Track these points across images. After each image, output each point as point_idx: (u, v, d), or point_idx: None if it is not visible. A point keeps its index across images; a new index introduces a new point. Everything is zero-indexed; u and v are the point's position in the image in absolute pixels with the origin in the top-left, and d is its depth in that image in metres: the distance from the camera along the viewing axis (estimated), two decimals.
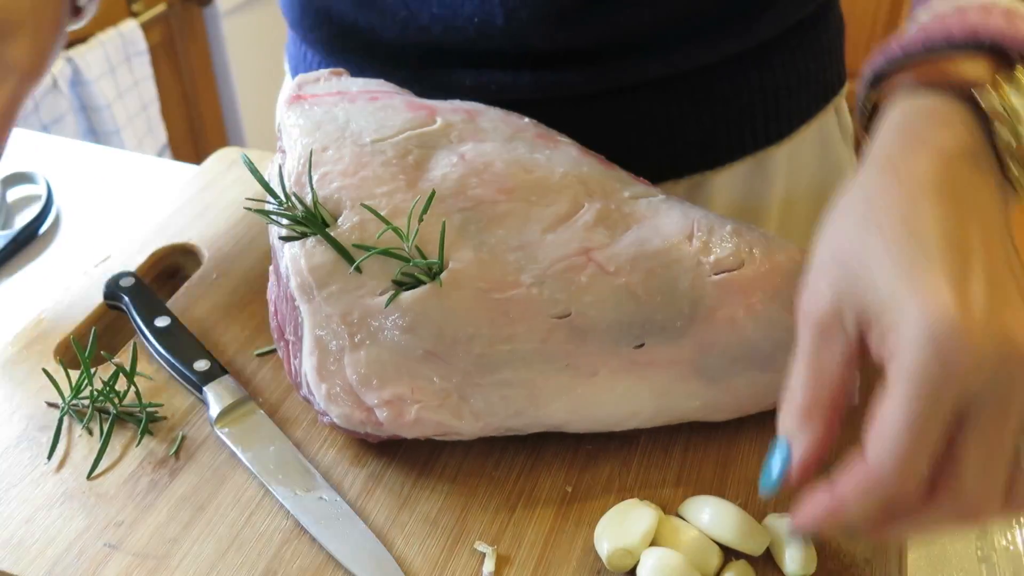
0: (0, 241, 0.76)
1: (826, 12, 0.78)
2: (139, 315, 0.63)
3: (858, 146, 0.89)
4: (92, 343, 0.59)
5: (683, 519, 0.52)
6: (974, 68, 0.46)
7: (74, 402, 0.58)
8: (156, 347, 0.61)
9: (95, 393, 0.58)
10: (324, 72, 0.65)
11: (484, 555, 0.51)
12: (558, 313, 0.53)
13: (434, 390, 0.52)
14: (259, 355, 0.63)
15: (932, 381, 0.38)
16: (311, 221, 0.53)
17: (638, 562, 0.48)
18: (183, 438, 0.57)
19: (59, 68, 1.64)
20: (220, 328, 0.65)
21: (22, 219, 0.80)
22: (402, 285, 0.52)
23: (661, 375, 0.55)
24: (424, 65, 0.71)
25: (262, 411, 0.58)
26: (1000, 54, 0.46)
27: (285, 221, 0.54)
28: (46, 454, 0.56)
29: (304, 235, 0.53)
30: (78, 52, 1.67)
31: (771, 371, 0.55)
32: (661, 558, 0.47)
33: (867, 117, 0.51)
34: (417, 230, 0.53)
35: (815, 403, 0.42)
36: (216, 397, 0.58)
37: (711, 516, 0.50)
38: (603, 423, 0.55)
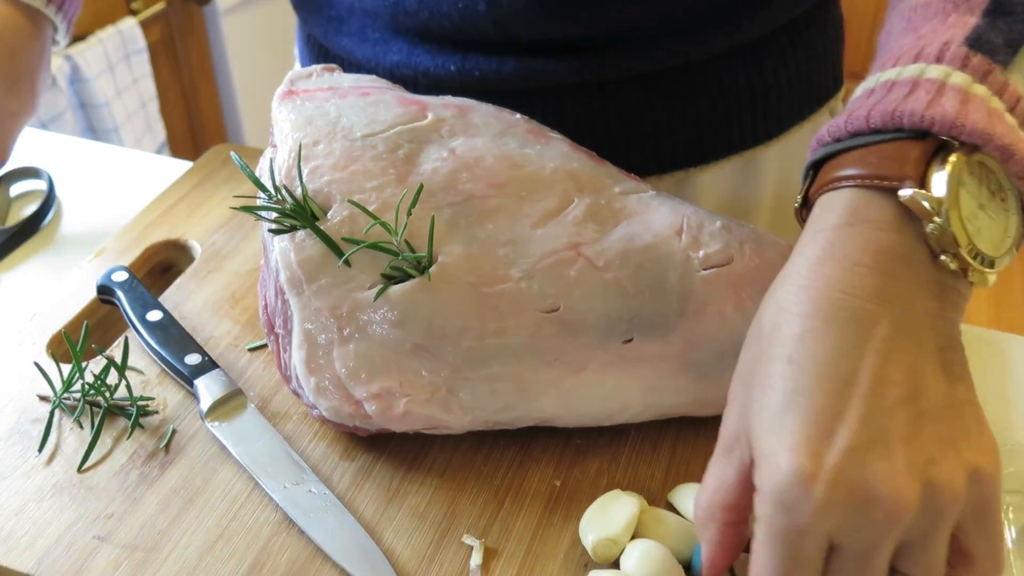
0: (1, 235, 0.76)
1: (822, 14, 0.77)
2: (131, 309, 0.63)
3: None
4: (83, 337, 0.59)
5: (671, 505, 0.52)
6: (897, 159, 0.43)
7: (65, 396, 0.59)
8: (148, 341, 0.61)
9: (86, 387, 0.58)
10: (316, 68, 0.65)
11: (472, 548, 0.51)
12: (547, 307, 0.53)
13: (423, 384, 0.52)
14: (251, 350, 0.63)
15: (782, 531, 0.39)
16: (300, 214, 0.53)
17: (623, 552, 0.49)
18: (174, 432, 0.57)
19: (58, 65, 1.64)
20: (212, 323, 0.65)
21: (24, 214, 0.80)
22: (391, 279, 0.52)
23: (650, 370, 0.55)
24: (413, 50, 0.71)
25: (252, 405, 0.58)
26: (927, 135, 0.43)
27: (275, 215, 0.54)
28: (37, 447, 0.56)
29: (294, 228, 0.53)
30: (77, 49, 1.68)
31: None
32: (646, 550, 0.48)
33: (800, 209, 0.49)
34: (406, 224, 0.53)
35: (710, 509, 0.43)
36: (207, 391, 0.58)
37: None
38: (592, 417, 0.55)
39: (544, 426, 0.56)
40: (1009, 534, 0.57)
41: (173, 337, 0.61)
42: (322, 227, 0.53)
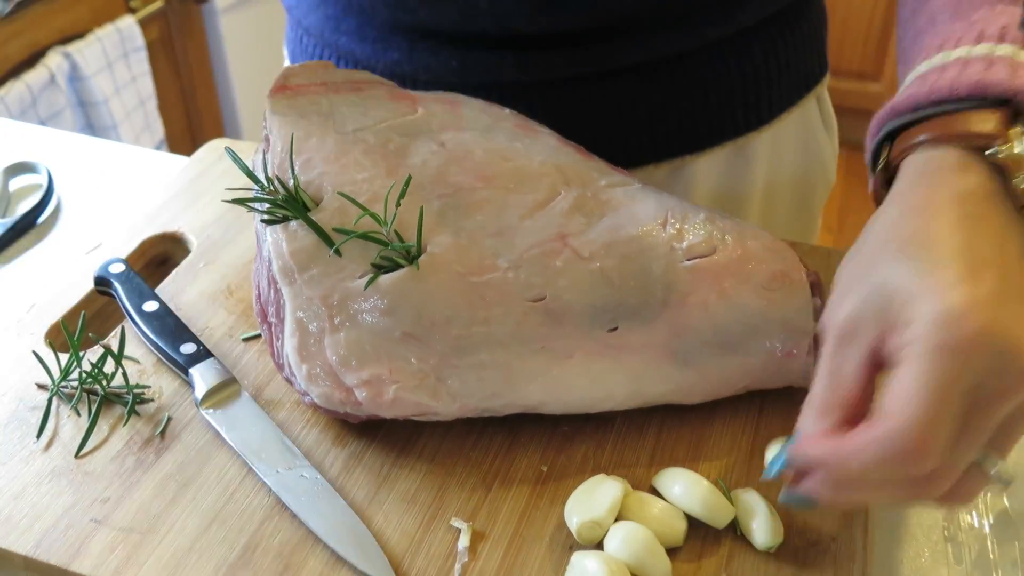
0: (0, 228, 0.78)
1: (807, 2, 0.80)
2: (128, 300, 0.65)
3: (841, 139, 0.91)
4: (81, 327, 0.60)
5: (655, 489, 0.53)
6: (983, 122, 0.48)
7: (63, 384, 0.60)
8: (144, 331, 0.63)
9: (83, 375, 0.59)
10: (311, 63, 0.66)
11: (460, 531, 0.52)
12: (533, 296, 0.55)
13: (412, 371, 0.54)
14: (245, 340, 0.64)
15: (948, 353, 0.40)
16: (293, 205, 0.54)
17: (607, 534, 0.50)
18: (169, 419, 0.59)
19: (57, 63, 1.66)
20: (207, 314, 0.66)
21: (23, 208, 0.81)
22: (381, 268, 0.54)
23: (635, 358, 0.56)
24: (413, 47, 0.73)
25: (246, 393, 0.59)
26: (1006, 102, 0.48)
27: (267, 206, 0.55)
28: (35, 433, 0.58)
29: (286, 219, 0.55)
30: (76, 48, 1.69)
31: (742, 355, 0.57)
32: (629, 532, 0.49)
33: (881, 172, 0.53)
34: (395, 215, 0.54)
35: (830, 401, 0.45)
36: (201, 379, 0.59)
37: (681, 488, 0.52)
38: (578, 405, 0.57)
39: (532, 413, 0.57)
40: (987, 520, 0.58)
41: (169, 327, 0.63)
42: (314, 218, 0.54)
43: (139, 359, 0.63)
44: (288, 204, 0.54)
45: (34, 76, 1.62)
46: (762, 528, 0.51)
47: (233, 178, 0.79)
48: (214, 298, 0.68)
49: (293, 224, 0.54)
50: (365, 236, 0.53)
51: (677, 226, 0.58)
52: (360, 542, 0.51)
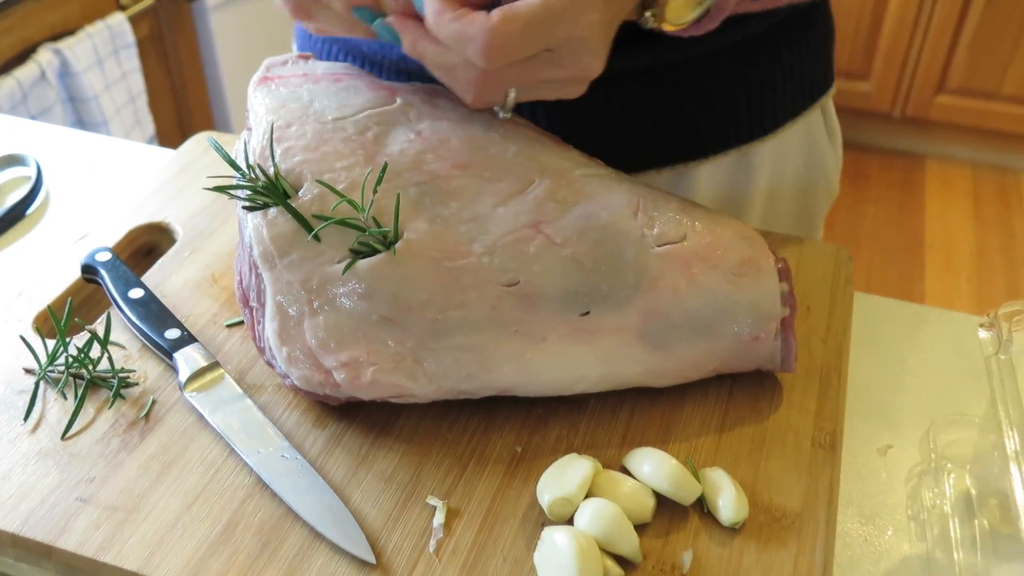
0: None
1: (814, 12, 0.80)
2: (114, 287, 0.66)
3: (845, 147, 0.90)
4: (68, 313, 0.61)
5: (626, 469, 0.55)
6: None
7: (50, 368, 0.61)
8: (130, 317, 0.64)
9: (70, 360, 0.61)
10: (292, 55, 0.68)
11: (435, 508, 0.54)
12: (508, 281, 0.56)
13: (389, 353, 0.55)
14: (228, 326, 0.66)
15: None
16: (273, 192, 0.56)
17: (577, 510, 0.51)
18: (153, 402, 0.60)
19: (47, 59, 1.67)
20: (192, 301, 0.68)
21: (12, 199, 0.83)
22: (359, 254, 0.55)
23: (606, 341, 0.57)
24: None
25: (229, 376, 0.61)
26: None
27: (248, 193, 0.57)
28: (23, 416, 0.59)
29: (266, 206, 0.56)
30: (66, 44, 1.70)
31: (711, 339, 0.58)
32: (598, 508, 0.51)
33: None
34: (372, 201, 0.55)
35: None
36: (185, 362, 0.61)
37: (650, 467, 0.53)
38: (551, 387, 0.58)
39: (507, 396, 0.59)
40: (947, 501, 0.60)
41: (153, 313, 0.64)
42: (293, 204, 0.56)
43: (124, 344, 0.64)
44: (268, 191, 0.55)
45: (24, 72, 1.63)
46: (728, 505, 0.52)
47: (218, 170, 0.81)
48: (199, 286, 0.69)
49: (273, 211, 0.56)
50: (343, 222, 0.55)
51: (649, 213, 0.59)
52: (339, 520, 0.53)
